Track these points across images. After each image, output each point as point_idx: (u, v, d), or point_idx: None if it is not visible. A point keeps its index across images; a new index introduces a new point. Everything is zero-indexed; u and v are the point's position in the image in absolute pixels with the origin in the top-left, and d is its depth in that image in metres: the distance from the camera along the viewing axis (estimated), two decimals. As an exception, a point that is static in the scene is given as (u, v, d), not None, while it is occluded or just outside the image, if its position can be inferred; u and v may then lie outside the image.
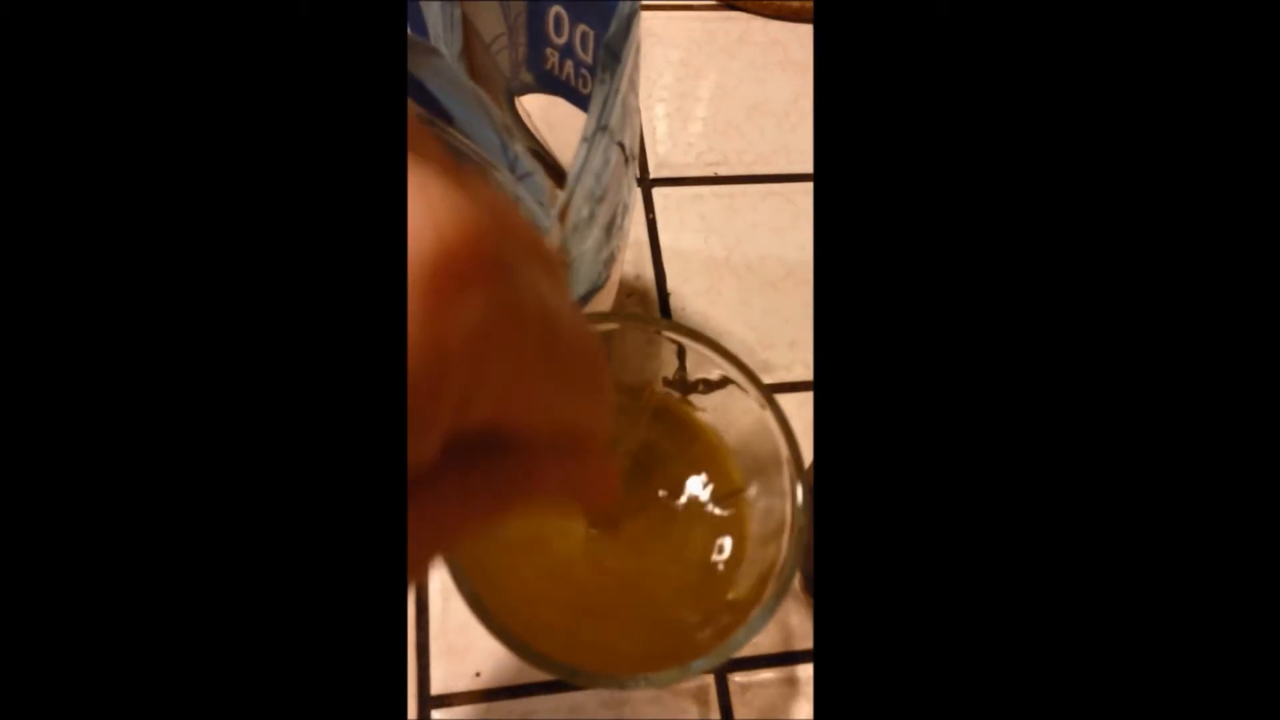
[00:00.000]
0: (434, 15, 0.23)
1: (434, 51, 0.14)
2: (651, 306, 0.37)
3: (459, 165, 0.10)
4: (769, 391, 0.20)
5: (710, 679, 0.31)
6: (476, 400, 0.10)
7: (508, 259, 0.09)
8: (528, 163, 0.16)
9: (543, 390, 0.11)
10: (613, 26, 0.16)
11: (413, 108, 0.16)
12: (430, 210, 0.09)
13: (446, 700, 0.30)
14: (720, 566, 0.21)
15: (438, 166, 0.10)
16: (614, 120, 0.17)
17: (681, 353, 0.21)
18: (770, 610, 0.17)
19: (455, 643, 0.30)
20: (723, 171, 0.40)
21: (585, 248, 0.19)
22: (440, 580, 0.31)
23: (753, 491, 0.21)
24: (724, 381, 0.21)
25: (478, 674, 0.30)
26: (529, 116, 0.28)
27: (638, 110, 0.20)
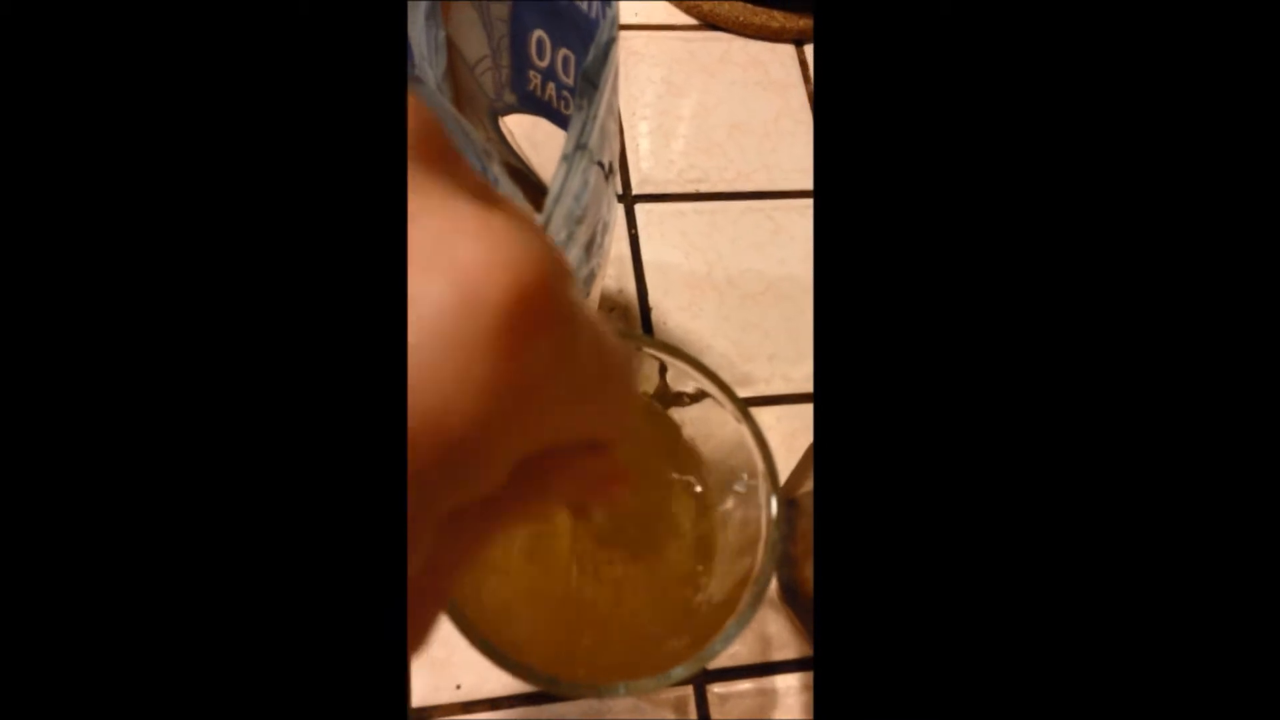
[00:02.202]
0: (419, 38, 0.23)
1: (416, 80, 0.14)
2: (634, 321, 0.37)
3: (491, 187, 0.10)
4: (745, 406, 0.20)
5: (689, 689, 0.31)
6: (540, 430, 0.10)
7: (568, 291, 0.09)
8: (507, 186, 0.16)
9: (587, 410, 0.11)
10: (590, 55, 0.16)
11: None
12: (499, 249, 0.08)
13: (427, 713, 0.30)
14: (696, 577, 0.21)
15: (485, 194, 0.09)
16: (593, 143, 0.17)
17: (663, 369, 0.22)
18: (745, 619, 0.18)
19: (436, 655, 0.30)
20: (704, 188, 0.41)
21: (565, 266, 0.20)
22: (422, 593, 0.31)
23: (729, 504, 0.22)
24: (701, 395, 0.21)
25: (458, 686, 0.30)
26: (513, 136, 0.28)
27: (617, 131, 0.20)
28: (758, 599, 0.19)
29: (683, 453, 0.23)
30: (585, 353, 0.10)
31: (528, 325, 0.08)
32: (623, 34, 0.44)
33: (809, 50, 0.45)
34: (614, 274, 0.38)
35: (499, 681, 0.30)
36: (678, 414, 0.23)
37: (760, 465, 0.20)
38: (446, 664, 0.30)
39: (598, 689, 0.17)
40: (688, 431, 0.23)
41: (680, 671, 0.17)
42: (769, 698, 0.32)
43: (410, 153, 0.09)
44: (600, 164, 0.21)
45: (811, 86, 0.44)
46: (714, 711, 0.31)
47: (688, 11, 0.45)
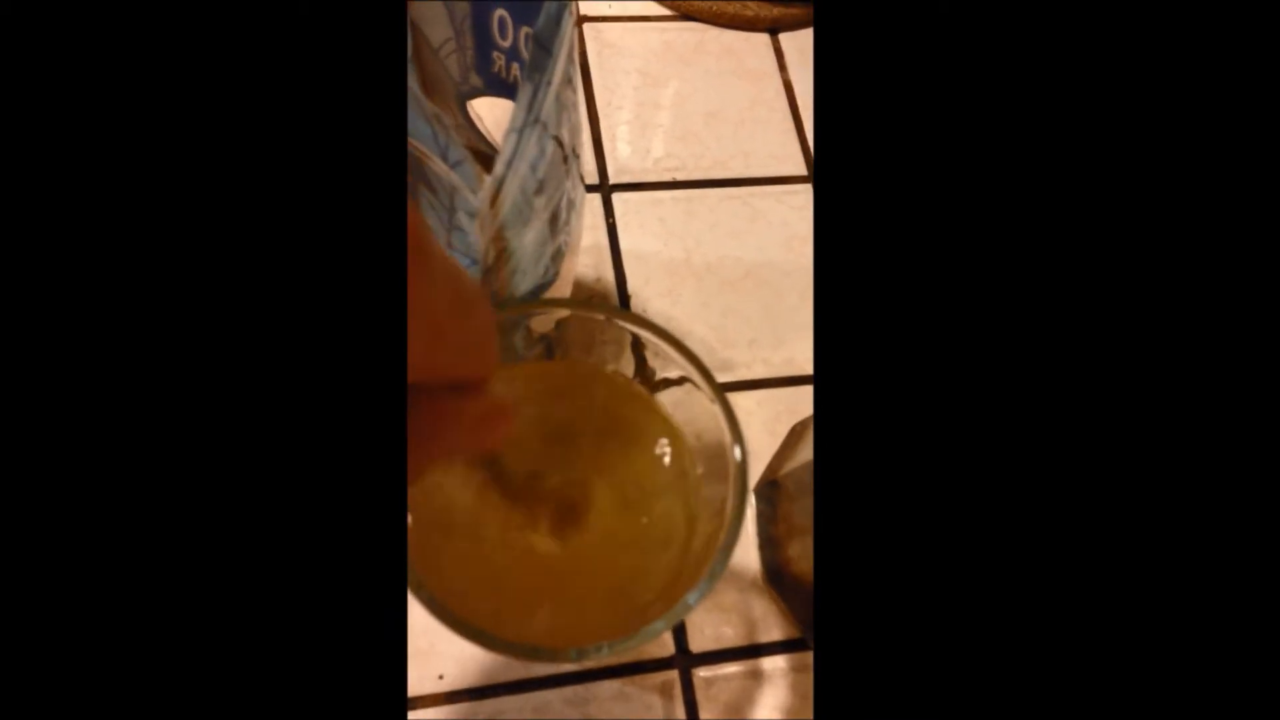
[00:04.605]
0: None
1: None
2: (613, 309, 0.37)
3: None
4: (706, 369, 0.20)
5: (675, 674, 0.31)
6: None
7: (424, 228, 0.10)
8: (458, 151, 0.16)
9: (446, 338, 0.11)
10: (541, 19, 0.16)
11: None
12: None
13: (411, 704, 0.30)
14: (671, 543, 0.21)
15: None
16: (546, 112, 0.17)
17: (635, 341, 0.22)
18: (716, 575, 0.18)
19: (418, 645, 0.30)
20: (681, 176, 0.41)
21: (526, 240, 0.20)
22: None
23: (700, 470, 0.22)
24: (683, 380, 0.21)
25: (441, 676, 0.30)
26: (480, 120, 0.28)
27: (576, 106, 0.20)
28: (727, 555, 0.19)
29: (655, 420, 0.23)
30: (427, 270, 0.10)
31: None
32: (598, 26, 0.44)
33: (783, 39, 0.45)
34: (593, 263, 0.38)
35: (481, 671, 0.30)
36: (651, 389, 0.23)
37: (727, 433, 0.20)
38: (429, 654, 0.30)
39: (582, 651, 0.17)
40: (662, 402, 0.23)
41: (657, 626, 0.17)
42: (755, 680, 0.32)
43: None
44: (558, 140, 0.20)
45: (786, 75, 0.44)
46: (700, 695, 0.31)
47: (663, 3, 0.45)
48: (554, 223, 0.22)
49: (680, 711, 0.31)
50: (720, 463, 0.21)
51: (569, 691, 0.30)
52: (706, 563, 0.19)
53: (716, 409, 0.20)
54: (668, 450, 0.22)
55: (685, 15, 0.45)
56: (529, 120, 0.17)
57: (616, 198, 0.40)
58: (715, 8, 0.44)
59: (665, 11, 0.45)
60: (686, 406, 0.22)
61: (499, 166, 0.17)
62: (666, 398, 0.23)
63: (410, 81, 0.15)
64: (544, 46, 0.16)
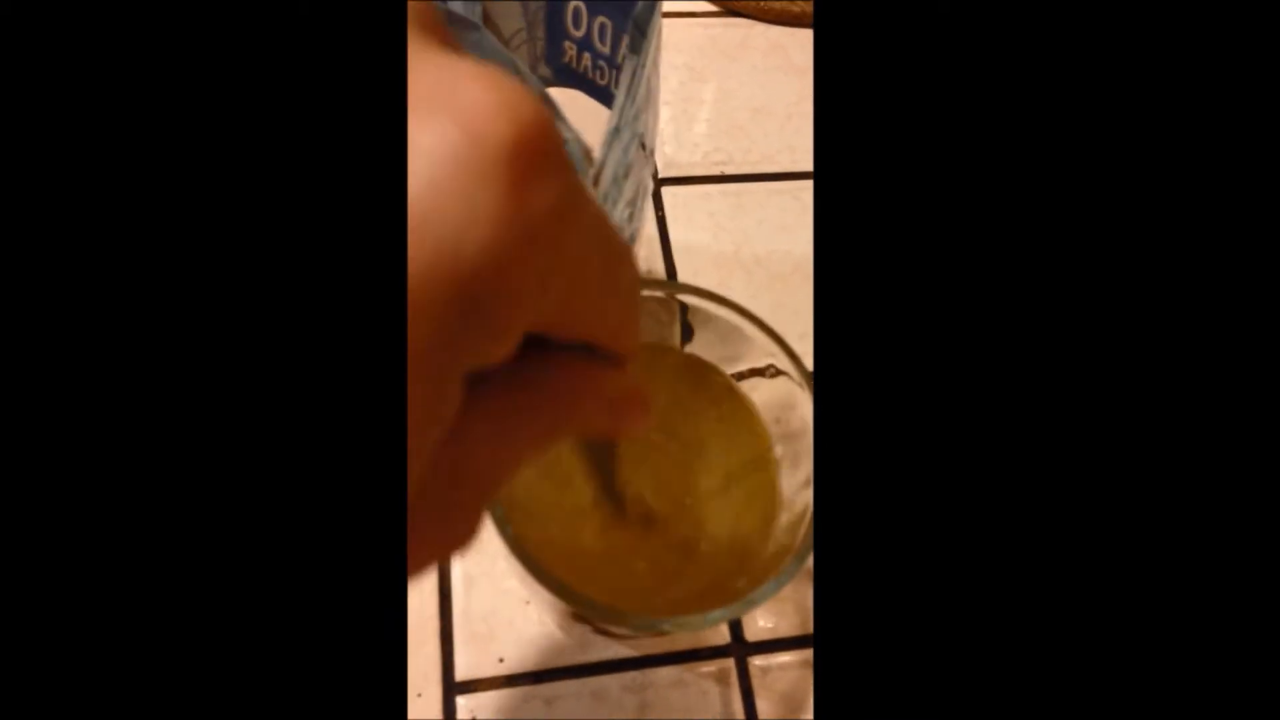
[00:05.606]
0: (459, 12, 0.24)
1: (475, 26, 0.15)
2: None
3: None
4: (794, 352, 0.20)
5: (731, 662, 0.31)
6: (550, 289, 0.10)
7: (563, 147, 0.09)
8: (565, 129, 0.17)
9: (597, 287, 0.11)
10: (639, 5, 0.16)
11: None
12: (501, 93, 0.09)
13: (471, 686, 0.30)
14: (752, 524, 0.21)
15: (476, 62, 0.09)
16: (640, 97, 0.18)
17: (684, 310, 0.22)
18: (789, 575, 0.18)
19: (478, 630, 0.31)
20: (729, 170, 0.41)
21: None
22: (462, 568, 0.32)
23: (779, 451, 0.22)
24: (769, 365, 0.21)
25: (501, 660, 0.30)
26: (547, 111, 0.29)
27: (658, 92, 0.21)
28: (802, 558, 0.19)
29: (732, 401, 0.23)
30: (587, 218, 0.10)
31: (531, 162, 0.09)
32: (644, 23, 0.45)
33: (829, 35, 0.46)
34: (643, 255, 0.38)
35: (540, 655, 0.31)
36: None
37: (812, 419, 0.21)
38: (489, 639, 0.31)
39: (650, 622, 0.17)
40: (741, 386, 0.23)
41: (718, 614, 0.18)
42: (809, 670, 0.32)
43: (410, 19, 0.09)
44: (638, 133, 0.21)
45: (832, 70, 0.44)
46: (756, 683, 0.31)
47: None
48: (632, 205, 0.22)
49: (737, 699, 0.31)
50: (798, 448, 0.21)
51: (627, 677, 0.30)
52: (789, 547, 0.19)
53: (804, 394, 0.20)
54: (750, 436, 0.22)
55: (731, 11, 0.45)
56: (629, 101, 0.17)
57: (666, 191, 0.40)
58: (762, 5, 0.44)
59: (711, 8, 0.46)
60: (767, 390, 0.22)
61: (601, 149, 0.17)
62: (746, 382, 0.23)
63: (518, 59, 0.16)
64: (641, 29, 0.17)
